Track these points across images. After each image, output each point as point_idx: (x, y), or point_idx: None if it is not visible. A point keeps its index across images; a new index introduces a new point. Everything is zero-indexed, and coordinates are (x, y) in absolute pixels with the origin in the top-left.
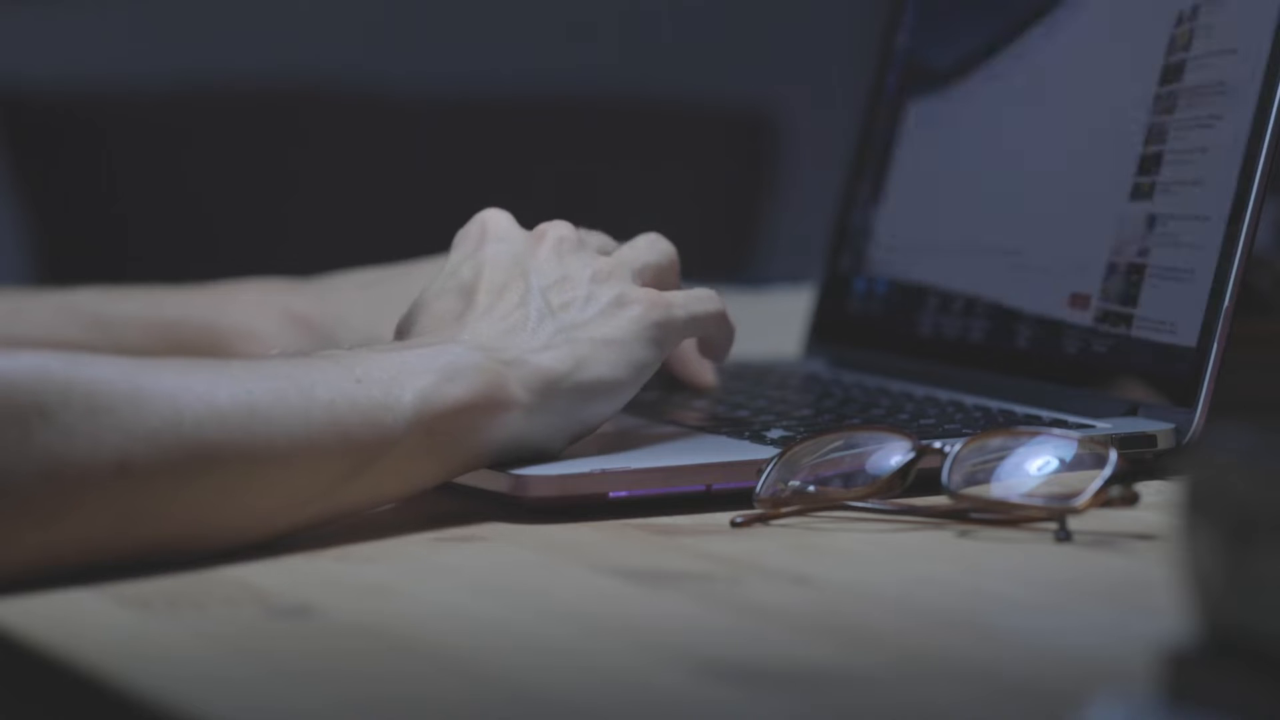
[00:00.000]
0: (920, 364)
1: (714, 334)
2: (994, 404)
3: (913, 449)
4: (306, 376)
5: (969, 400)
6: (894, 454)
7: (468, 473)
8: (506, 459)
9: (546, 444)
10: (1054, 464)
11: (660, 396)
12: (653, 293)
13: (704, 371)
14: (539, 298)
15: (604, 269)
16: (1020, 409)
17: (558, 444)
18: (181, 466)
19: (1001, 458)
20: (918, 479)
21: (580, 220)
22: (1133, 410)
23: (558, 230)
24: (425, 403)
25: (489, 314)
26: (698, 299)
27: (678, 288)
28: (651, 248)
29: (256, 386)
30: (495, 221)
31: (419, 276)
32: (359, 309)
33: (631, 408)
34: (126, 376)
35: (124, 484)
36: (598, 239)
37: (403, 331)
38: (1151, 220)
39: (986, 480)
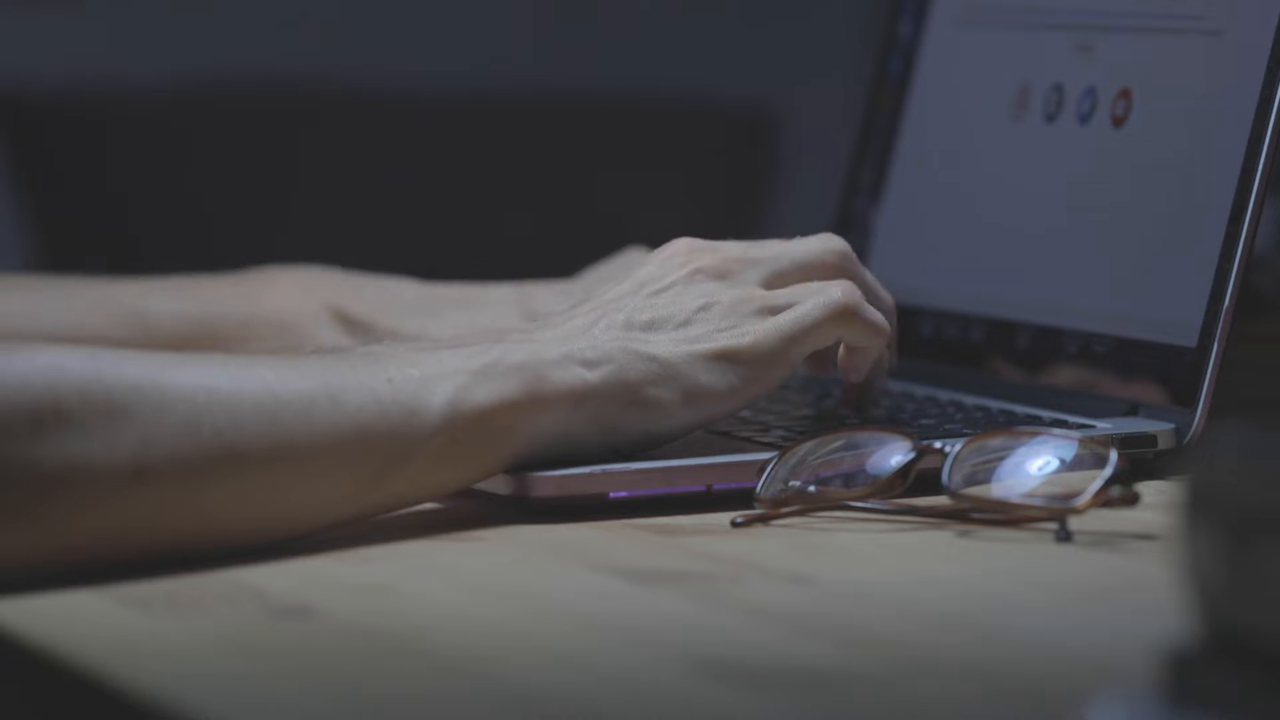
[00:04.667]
0: (920, 364)
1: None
2: (994, 404)
3: (913, 449)
4: (338, 379)
5: (969, 400)
6: (894, 454)
7: (497, 475)
8: (539, 458)
9: (581, 447)
10: (1054, 464)
11: None
12: (759, 329)
13: None
14: (624, 311)
15: (725, 301)
16: (1020, 409)
17: (594, 451)
18: (199, 471)
19: (1002, 458)
20: (918, 479)
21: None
22: (1133, 410)
23: (703, 260)
24: (453, 407)
25: (562, 316)
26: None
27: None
28: (818, 301)
29: (283, 390)
30: (677, 246)
31: (483, 302)
32: (412, 318)
33: None
34: (150, 376)
35: (140, 487)
36: (755, 272)
37: None
38: (1151, 219)
39: (987, 480)
